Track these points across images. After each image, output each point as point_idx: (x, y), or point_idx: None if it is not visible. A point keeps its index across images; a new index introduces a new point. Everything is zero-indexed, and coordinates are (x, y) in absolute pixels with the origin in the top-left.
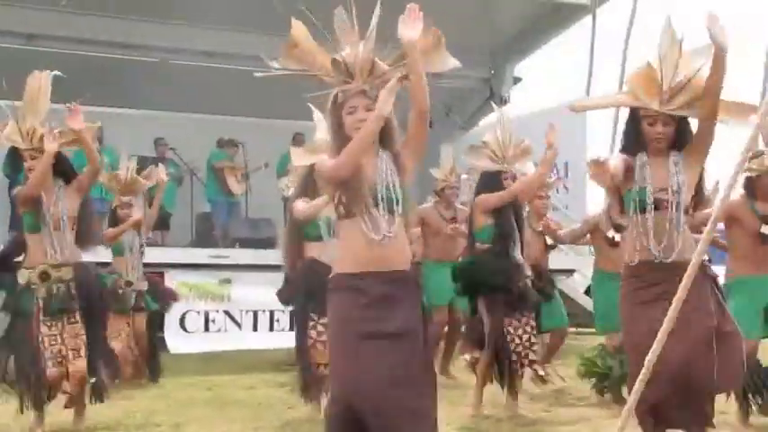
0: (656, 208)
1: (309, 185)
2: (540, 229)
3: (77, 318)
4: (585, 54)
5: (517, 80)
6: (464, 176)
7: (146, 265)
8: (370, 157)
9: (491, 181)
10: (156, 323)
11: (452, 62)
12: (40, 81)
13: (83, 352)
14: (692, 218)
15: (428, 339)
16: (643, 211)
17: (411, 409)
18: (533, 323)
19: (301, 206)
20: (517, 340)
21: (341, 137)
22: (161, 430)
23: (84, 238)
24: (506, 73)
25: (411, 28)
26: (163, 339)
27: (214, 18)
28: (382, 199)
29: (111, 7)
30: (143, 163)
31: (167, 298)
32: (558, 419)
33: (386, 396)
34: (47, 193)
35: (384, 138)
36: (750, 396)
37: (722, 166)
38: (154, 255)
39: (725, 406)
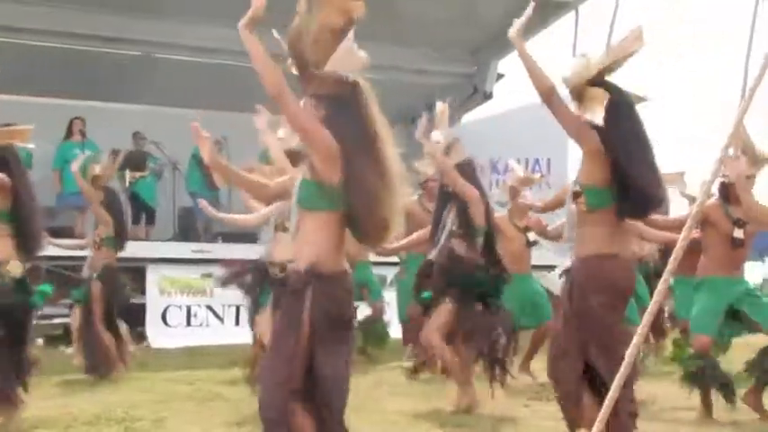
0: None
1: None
2: (524, 225)
3: None
4: (568, 50)
5: (500, 76)
6: None
7: (127, 259)
8: None
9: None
10: (91, 316)
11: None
12: None
13: None
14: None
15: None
16: None
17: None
18: None
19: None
20: None
21: None
22: (142, 425)
23: (21, 240)
24: (490, 69)
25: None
26: (144, 333)
27: (198, 12)
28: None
29: (94, 0)
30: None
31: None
32: (540, 415)
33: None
34: None
35: None
36: (712, 391)
37: (700, 171)
38: (136, 249)
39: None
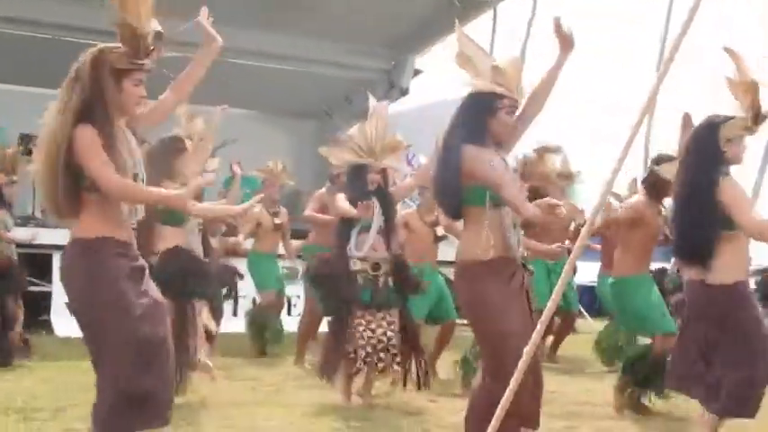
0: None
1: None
2: (432, 220)
3: None
4: (486, 48)
5: (417, 72)
6: None
7: (34, 246)
8: (120, 133)
9: (354, 175)
10: None
11: None
12: None
13: None
14: None
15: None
16: (497, 206)
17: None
18: (391, 318)
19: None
20: (370, 334)
21: (112, 101)
22: (41, 415)
23: None
24: (407, 65)
25: None
26: (49, 322)
27: None
28: (136, 177)
29: None
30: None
31: None
32: (445, 408)
33: None
34: None
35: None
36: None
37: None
38: (42, 236)
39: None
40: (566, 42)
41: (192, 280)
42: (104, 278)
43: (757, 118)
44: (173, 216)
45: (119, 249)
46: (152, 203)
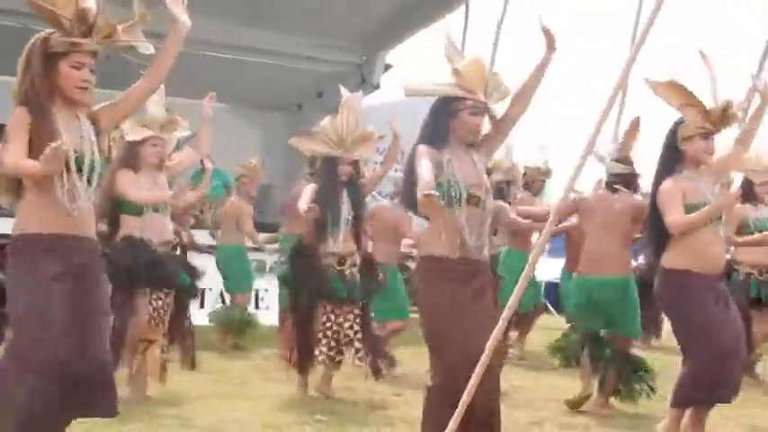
0: (467, 203)
1: (134, 155)
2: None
3: None
4: (458, 44)
5: (388, 67)
6: None
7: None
8: (69, 119)
9: (326, 167)
10: None
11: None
12: None
13: None
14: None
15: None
16: (450, 205)
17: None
18: (357, 312)
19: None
20: (336, 328)
21: (49, 86)
22: None
23: None
24: (378, 60)
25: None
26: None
27: None
28: (84, 165)
29: None
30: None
31: None
32: (410, 402)
33: None
34: None
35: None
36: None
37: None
38: (2, 225)
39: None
40: (551, 42)
41: (138, 271)
42: (28, 282)
43: (708, 116)
44: (128, 206)
45: (54, 244)
46: (21, 174)
